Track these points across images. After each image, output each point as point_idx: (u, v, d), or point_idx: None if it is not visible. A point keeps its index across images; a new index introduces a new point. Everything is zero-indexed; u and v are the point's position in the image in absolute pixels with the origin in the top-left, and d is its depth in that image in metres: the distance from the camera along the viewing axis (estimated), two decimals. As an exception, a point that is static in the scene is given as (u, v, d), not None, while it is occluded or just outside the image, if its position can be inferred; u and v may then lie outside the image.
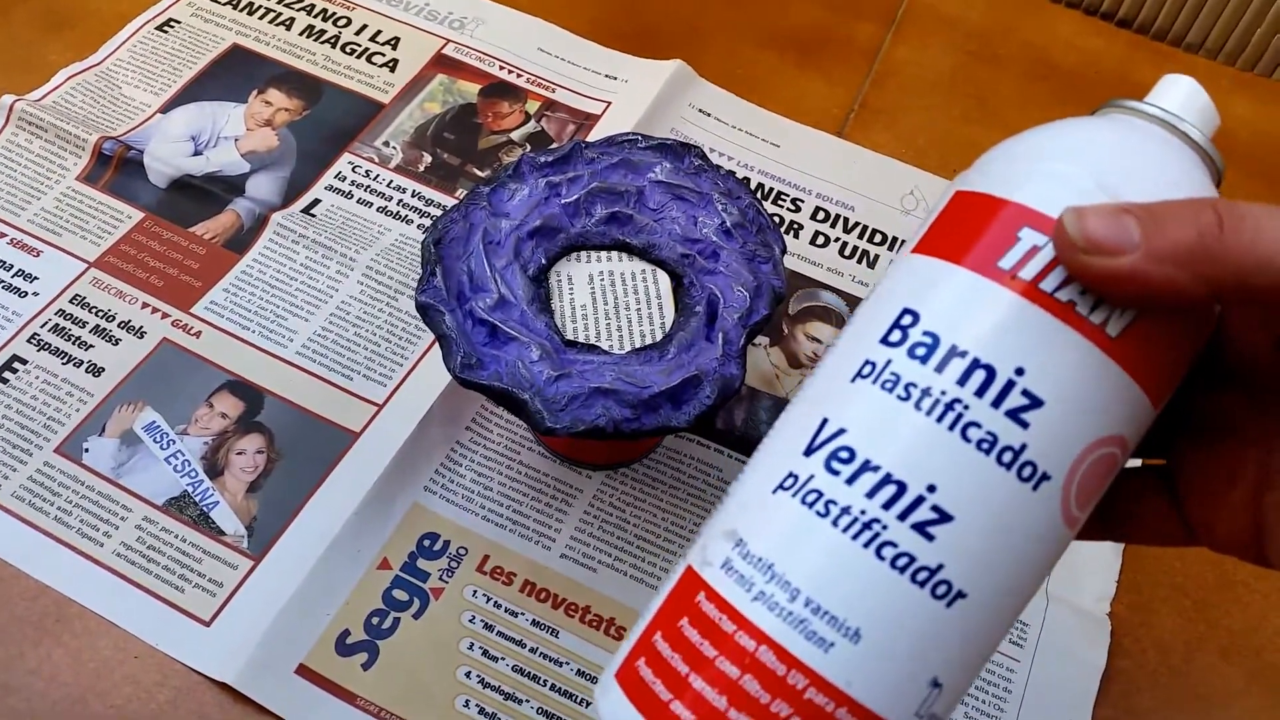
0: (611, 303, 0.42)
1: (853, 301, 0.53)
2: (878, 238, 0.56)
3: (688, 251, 0.43)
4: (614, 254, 0.43)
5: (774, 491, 0.25)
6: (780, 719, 0.23)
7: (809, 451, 0.25)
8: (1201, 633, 0.44)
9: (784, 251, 0.43)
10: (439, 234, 0.42)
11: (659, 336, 0.41)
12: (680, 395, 0.39)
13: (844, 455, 0.24)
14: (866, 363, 0.25)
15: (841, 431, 0.24)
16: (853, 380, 0.25)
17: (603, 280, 0.42)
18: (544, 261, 0.43)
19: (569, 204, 0.44)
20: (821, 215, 0.56)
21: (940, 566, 0.23)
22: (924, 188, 0.58)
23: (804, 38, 0.65)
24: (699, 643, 0.24)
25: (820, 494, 0.24)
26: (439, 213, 0.55)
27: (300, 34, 0.63)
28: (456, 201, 0.55)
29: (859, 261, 0.55)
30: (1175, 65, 0.66)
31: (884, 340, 0.25)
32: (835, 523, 0.24)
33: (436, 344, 0.50)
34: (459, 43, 0.63)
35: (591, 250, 0.43)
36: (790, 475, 0.25)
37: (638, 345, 0.41)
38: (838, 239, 0.55)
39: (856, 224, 0.56)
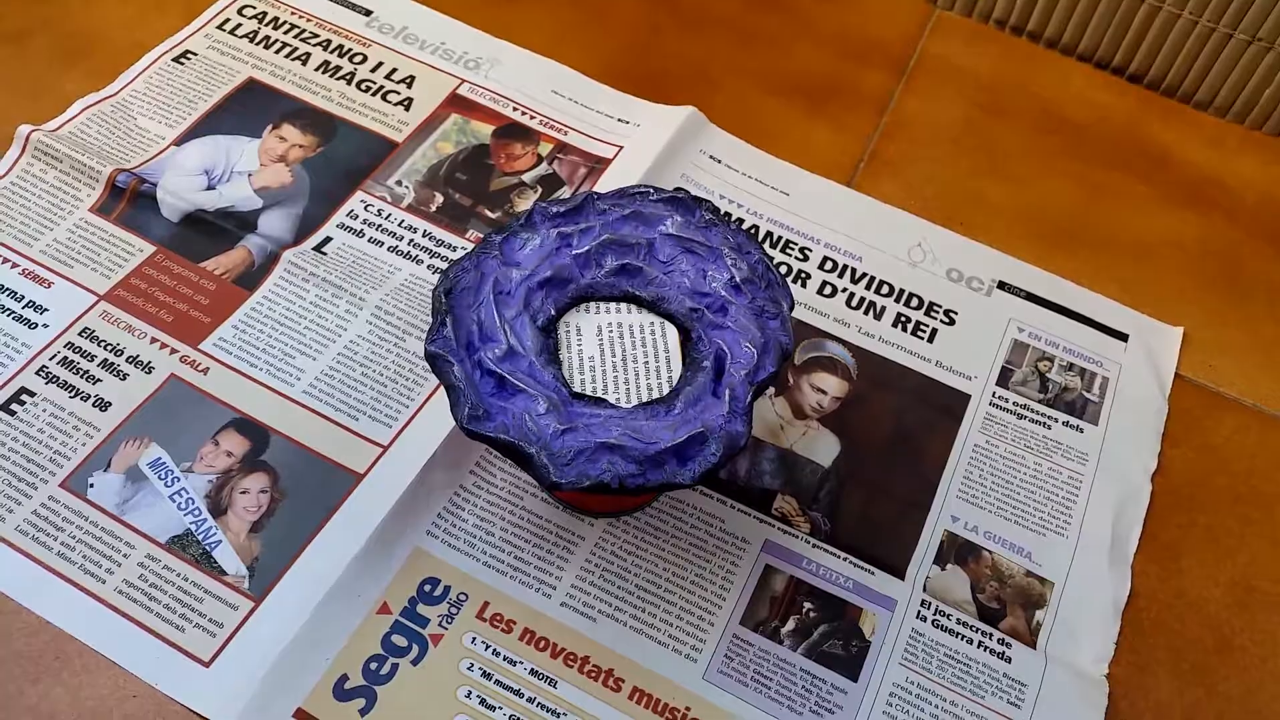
0: (620, 354, 0.42)
1: (858, 353, 0.53)
2: (885, 289, 0.56)
3: (696, 305, 0.43)
4: (623, 305, 0.44)
5: None
6: None
7: None
8: (1199, 697, 0.44)
9: (792, 308, 0.43)
10: (450, 283, 0.43)
11: (666, 389, 0.41)
12: (686, 452, 0.39)
13: None
14: None
15: None
16: None
17: (611, 332, 0.43)
18: (553, 312, 0.43)
19: (580, 255, 0.44)
20: (829, 265, 0.57)
21: None
22: (931, 240, 0.58)
23: (814, 85, 0.66)
24: None
25: None
26: (449, 253, 0.56)
27: (316, 69, 0.64)
28: (469, 248, 0.56)
29: (865, 313, 0.55)
30: (1184, 122, 0.67)
31: None
32: None
33: (441, 388, 0.50)
34: (474, 83, 0.64)
35: (601, 301, 0.44)
36: None
37: (645, 398, 0.41)
38: (845, 289, 0.56)
39: (864, 275, 0.56)
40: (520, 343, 0.42)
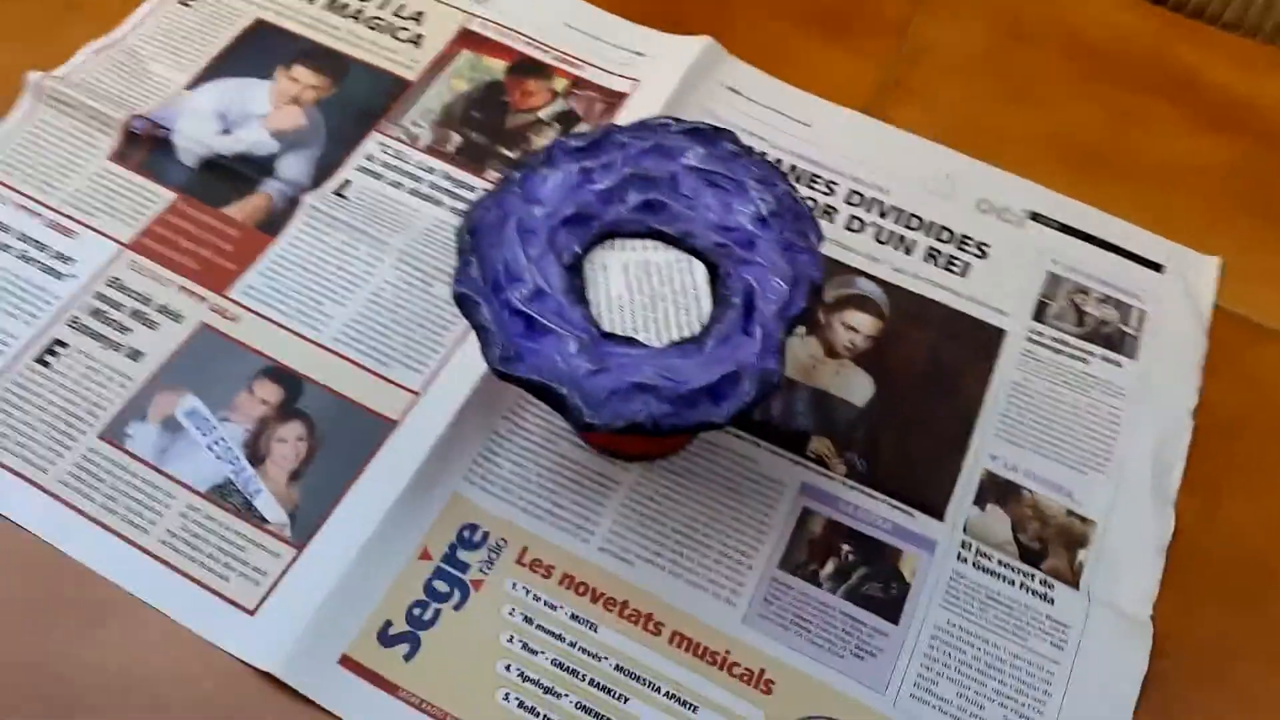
0: (648, 293, 0.41)
1: (890, 289, 0.53)
2: (914, 223, 0.55)
3: (723, 240, 0.43)
4: (649, 242, 0.43)
5: None
6: None
7: None
8: (1245, 629, 0.45)
9: (821, 240, 0.42)
10: (473, 222, 0.42)
11: (697, 328, 0.41)
12: (719, 391, 0.39)
13: None
14: None
15: None
16: None
17: (638, 270, 0.42)
18: (578, 250, 0.42)
19: (602, 191, 0.44)
20: (856, 199, 0.56)
21: None
22: (959, 170, 0.57)
23: (832, 11, 0.64)
24: None
25: None
26: (469, 194, 0.55)
27: (324, 7, 0.62)
28: (489, 187, 0.55)
29: (895, 248, 0.54)
30: (1211, 44, 0.65)
31: None
32: None
33: (471, 332, 0.50)
34: (484, 18, 0.62)
35: (626, 238, 0.43)
36: None
37: (675, 337, 0.40)
38: (873, 223, 0.55)
39: (892, 208, 0.55)
40: (547, 282, 0.41)
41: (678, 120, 0.45)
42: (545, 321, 0.40)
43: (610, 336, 0.40)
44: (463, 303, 0.40)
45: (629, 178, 0.44)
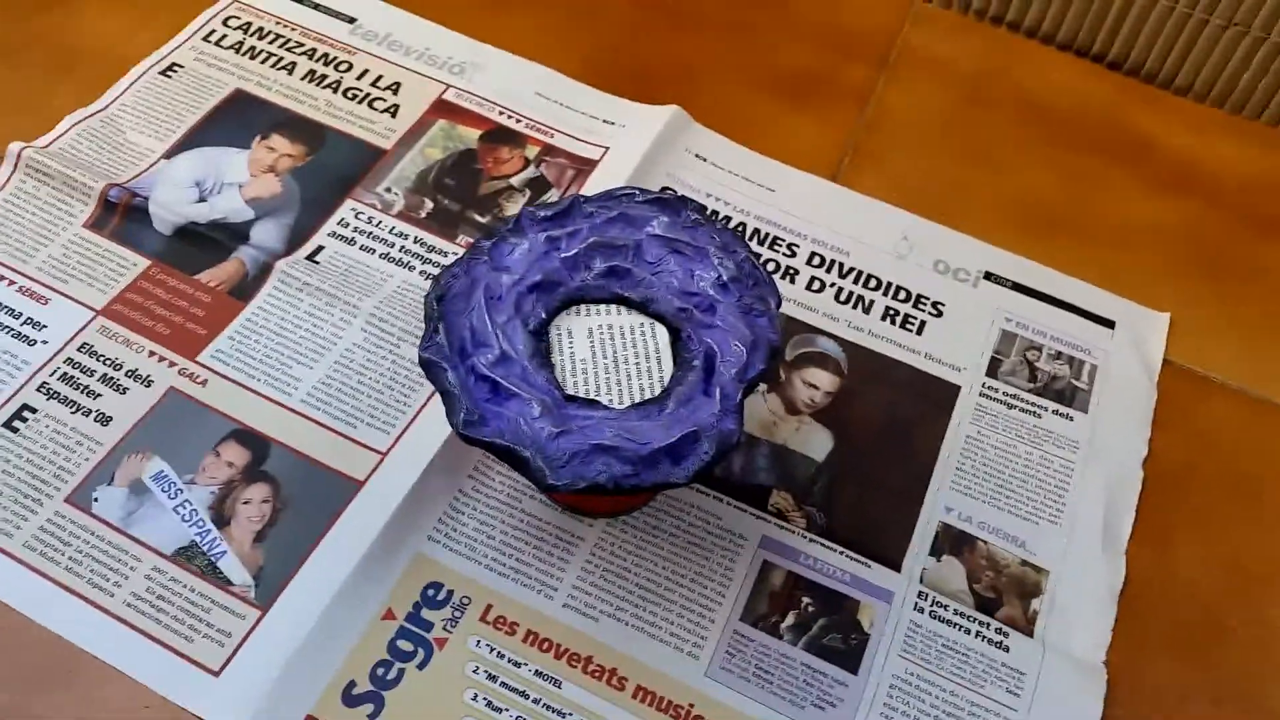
0: (611, 356, 0.43)
1: (848, 347, 0.54)
2: (873, 283, 0.57)
3: (685, 305, 0.44)
4: (613, 307, 0.44)
5: None
6: None
7: None
8: (1195, 679, 0.45)
9: (779, 305, 0.44)
10: (442, 290, 0.43)
11: (658, 389, 0.42)
12: (679, 451, 0.40)
13: None
14: None
15: None
16: None
17: (602, 334, 0.43)
18: (544, 315, 0.44)
19: (568, 258, 0.45)
20: (817, 260, 0.57)
21: None
22: (917, 233, 0.59)
23: (797, 80, 0.66)
24: None
25: None
26: (440, 259, 0.56)
27: (303, 78, 0.64)
28: (459, 253, 0.56)
29: (854, 307, 0.56)
30: (1164, 108, 0.67)
31: None
32: None
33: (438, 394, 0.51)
34: (459, 88, 0.64)
35: (591, 304, 0.44)
36: None
37: (637, 399, 0.42)
38: (833, 284, 0.56)
39: (851, 269, 0.57)
40: (513, 347, 0.42)
41: (643, 190, 0.47)
42: (510, 386, 0.41)
43: (573, 399, 0.41)
44: (429, 368, 0.41)
45: (594, 245, 0.45)
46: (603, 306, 0.44)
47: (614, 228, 0.46)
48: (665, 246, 0.45)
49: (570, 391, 0.42)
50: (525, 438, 0.39)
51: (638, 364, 0.42)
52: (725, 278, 0.44)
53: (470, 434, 0.39)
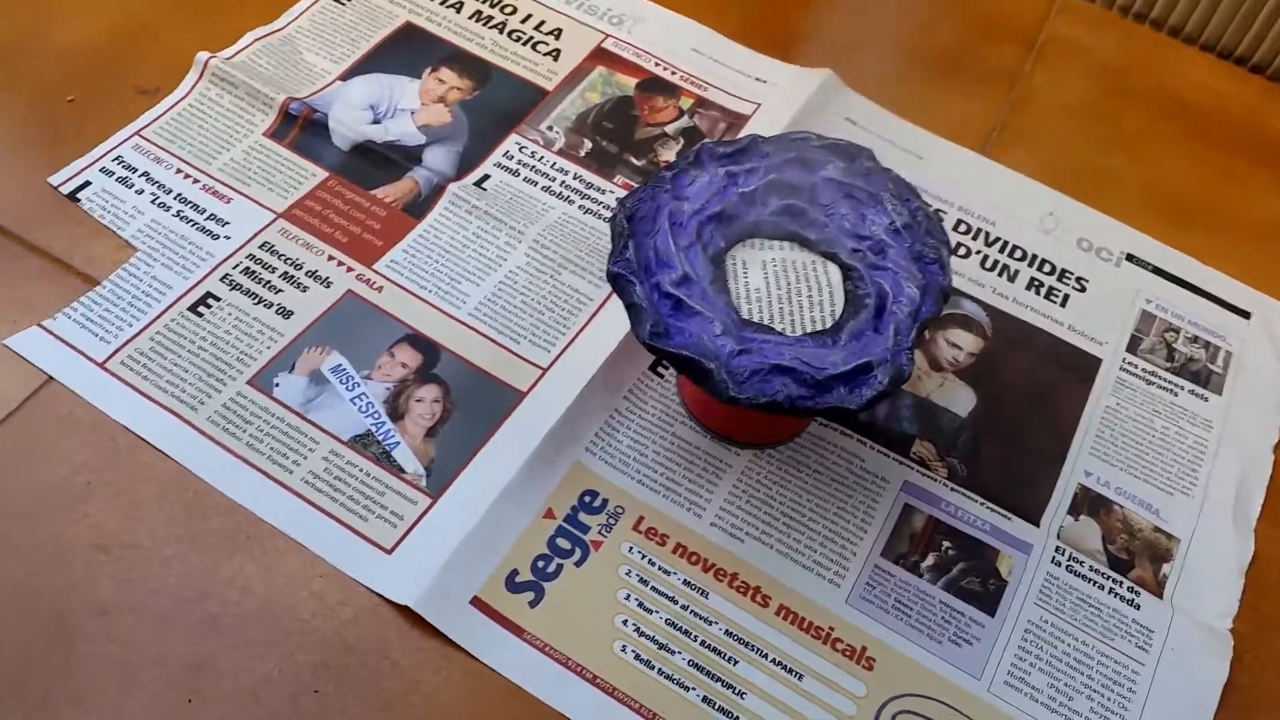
0: (784, 288, 0.45)
1: (993, 312, 0.55)
2: (1018, 254, 0.58)
3: (857, 247, 0.46)
4: (787, 244, 0.46)
5: None
6: None
7: None
8: (1315, 655, 0.46)
9: (951, 254, 0.45)
10: (630, 210, 0.45)
11: (828, 323, 0.44)
12: (854, 379, 0.42)
13: None
14: None
15: None
16: None
17: (776, 267, 0.45)
18: (722, 245, 0.46)
19: (746, 194, 0.47)
20: (964, 228, 0.59)
21: None
22: (1062, 210, 0.60)
23: (947, 56, 0.68)
24: None
25: None
26: (600, 195, 0.58)
27: (469, 18, 0.66)
28: (617, 191, 0.58)
29: (1000, 275, 0.57)
30: (1306, 115, 0.68)
31: None
32: None
33: (595, 317, 0.53)
34: (618, 38, 0.66)
35: (765, 239, 0.46)
36: None
37: (809, 329, 0.43)
38: (979, 251, 0.58)
39: (997, 239, 0.59)
40: (694, 270, 0.44)
41: (819, 135, 0.48)
42: (692, 304, 0.43)
43: (749, 324, 0.43)
44: (617, 281, 0.43)
45: (772, 184, 0.47)
46: (777, 242, 0.46)
47: (791, 169, 0.48)
48: (839, 190, 0.47)
49: (745, 317, 0.44)
50: (709, 352, 0.42)
51: (810, 297, 0.44)
52: (899, 224, 0.46)
53: (657, 344, 0.42)
